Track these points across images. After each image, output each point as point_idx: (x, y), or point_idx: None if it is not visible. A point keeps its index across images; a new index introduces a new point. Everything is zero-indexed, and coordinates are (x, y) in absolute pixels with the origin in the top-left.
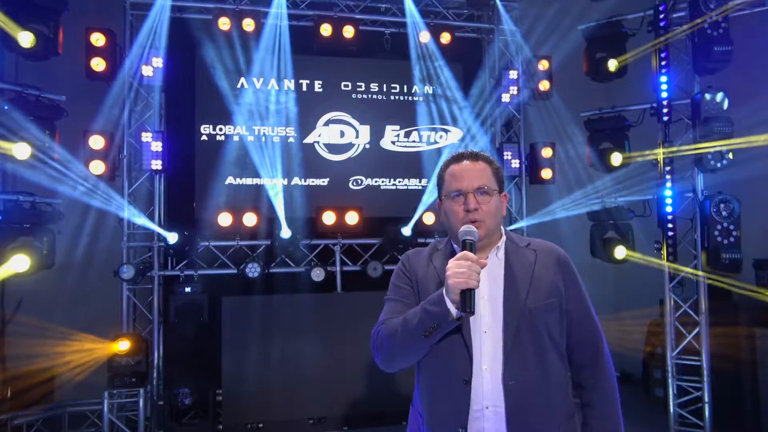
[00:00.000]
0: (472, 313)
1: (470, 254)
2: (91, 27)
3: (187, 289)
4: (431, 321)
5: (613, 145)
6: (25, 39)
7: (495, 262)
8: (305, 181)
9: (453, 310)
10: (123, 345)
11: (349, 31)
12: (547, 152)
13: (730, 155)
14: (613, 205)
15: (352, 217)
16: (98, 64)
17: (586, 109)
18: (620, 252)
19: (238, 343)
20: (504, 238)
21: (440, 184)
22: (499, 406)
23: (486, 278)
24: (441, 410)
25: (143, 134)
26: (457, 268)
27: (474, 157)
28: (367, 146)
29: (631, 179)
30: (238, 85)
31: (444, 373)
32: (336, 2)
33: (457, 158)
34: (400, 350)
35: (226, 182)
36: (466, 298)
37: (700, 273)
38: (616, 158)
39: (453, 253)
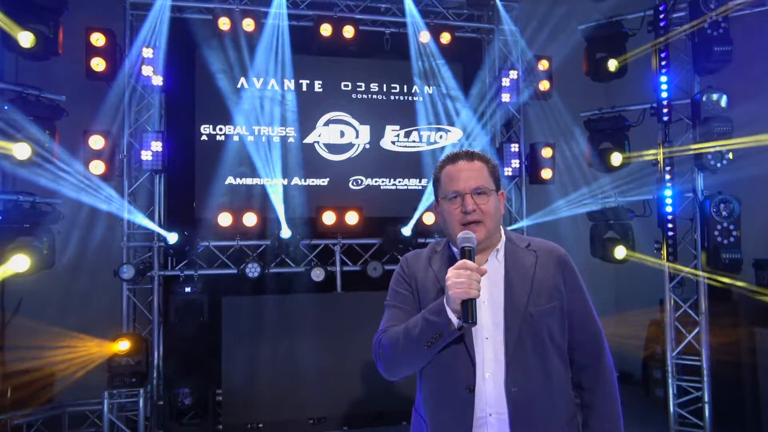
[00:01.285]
0: (474, 323)
1: (470, 263)
2: (91, 27)
3: (187, 289)
4: (433, 331)
5: (613, 145)
6: (25, 39)
7: (495, 264)
8: (305, 181)
9: (454, 320)
10: (123, 345)
11: (349, 31)
12: (547, 152)
13: (730, 155)
14: (613, 205)
15: (352, 217)
16: (98, 64)
17: (586, 109)
18: (620, 252)
19: (238, 343)
20: (503, 239)
21: (436, 186)
22: (503, 413)
23: (486, 282)
24: (445, 418)
25: (143, 134)
26: (456, 278)
27: (469, 156)
28: (367, 146)
29: (631, 179)
30: (238, 85)
31: (447, 381)
32: (336, 2)
33: (453, 158)
34: (402, 359)
35: (226, 182)
36: (468, 309)
37: (700, 273)
38: (616, 158)
39: (451, 257)
